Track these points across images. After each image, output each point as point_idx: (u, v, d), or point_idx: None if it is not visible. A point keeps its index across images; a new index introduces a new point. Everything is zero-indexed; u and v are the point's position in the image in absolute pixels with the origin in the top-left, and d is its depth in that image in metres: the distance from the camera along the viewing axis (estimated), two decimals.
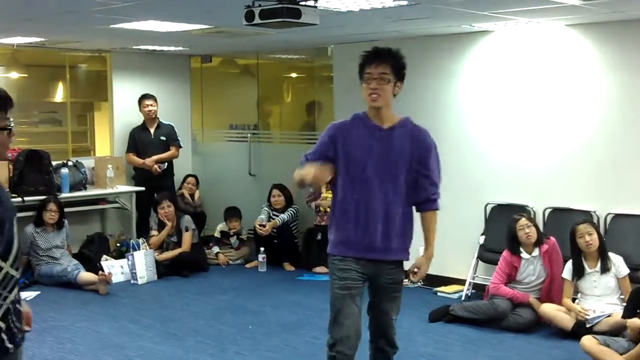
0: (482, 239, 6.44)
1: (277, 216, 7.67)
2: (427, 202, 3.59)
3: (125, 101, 8.38)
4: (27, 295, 6.26)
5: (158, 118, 8.21)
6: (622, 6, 5.04)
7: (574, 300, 5.39)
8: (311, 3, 4.34)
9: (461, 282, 6.54)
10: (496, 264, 5.80)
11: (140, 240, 7.52)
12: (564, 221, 5.79)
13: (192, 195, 8.49)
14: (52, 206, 6.94)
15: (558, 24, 5.90)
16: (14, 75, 9.09)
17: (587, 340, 4.69)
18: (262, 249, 7.57)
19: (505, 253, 5.69)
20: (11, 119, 2.42)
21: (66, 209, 7.15)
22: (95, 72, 9.40)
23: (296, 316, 5.93)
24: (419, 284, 6.85)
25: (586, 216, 5.71)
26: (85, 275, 6.78)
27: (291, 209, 7.71)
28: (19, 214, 3.83)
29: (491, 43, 6.45)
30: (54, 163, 7.50)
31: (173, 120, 8.36)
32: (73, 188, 7.57)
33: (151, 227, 7.65)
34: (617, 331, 4.84)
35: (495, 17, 5.49)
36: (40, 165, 7.28)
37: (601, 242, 5.28)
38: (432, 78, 6.80)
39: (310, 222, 7.70)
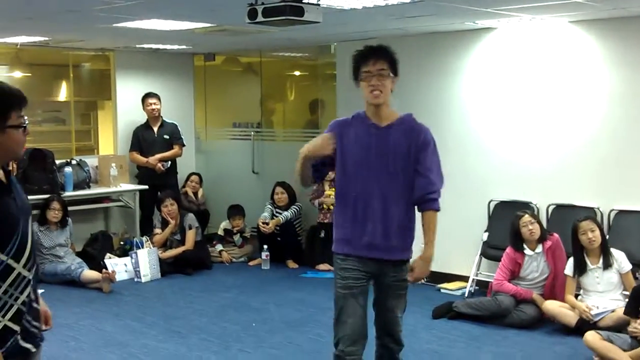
0: (485, 236, 6.44)
1: (280, 214, 7.68)
2: (425, 202, 3.49)
3: (129, 100, 8.40)
4: None
5: (161, 117, 8.22)
6: (624, 3, 5.04)
7: (576, 296, 5.39)
8: (314, 1, 4.34)
9: (464, 278, 6.54)
10: (499, 260, 5.80)
11: (144, 239, 7.53)
12: (567, 218, 5.78)
13: (195, 194, 8.50)
14: (55, 205, 6.95)
15: (561, 20, 5.90)
16: (18, 74, 9.11)
17: (591, 336, 4.70)
18: (265, 246, 7.58)
19: (508, 250, 5.69)
20: (26, 118, 2.43)
21: (70, 208, 7.17)
22: (99, 71, 9.41)
23: (300, 313, 5.93)
24: (423, 281, 6.86)
25: (589, 212, 5.70)
26: (89, 274, 6.80)
27: (294, 206, 7.72)
28: None
29: (494, 40, 6.44)
30: (57, 162, 7.52)
31: (176, 119, 8.37)
32: (77, 187, 7.59)
33: (155, 225, 7.67)
34: (620, 326, 4.84)
35: (498, 14, 5.48)
36: (44, 164, 7.30)
37: (603, 239, 5.28)
38: (436, 75, 6.80)
39: (314, 220, 7.71)
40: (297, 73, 9.21)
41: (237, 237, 8.04)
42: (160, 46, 7.92)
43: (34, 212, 6.98)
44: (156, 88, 8.33)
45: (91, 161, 8.00)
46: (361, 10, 5.10)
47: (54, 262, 6.89)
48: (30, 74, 9.31)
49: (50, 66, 9.61)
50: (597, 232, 5.24)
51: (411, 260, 3.62)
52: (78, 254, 7.23)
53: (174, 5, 5.03)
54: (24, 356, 2.46)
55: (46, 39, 7.06)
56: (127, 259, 7.24)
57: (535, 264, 5.60)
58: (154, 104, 8.11)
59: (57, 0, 4.83)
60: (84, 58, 9.06)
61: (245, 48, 8.39)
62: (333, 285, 3.62)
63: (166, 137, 8.16)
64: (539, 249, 5.59)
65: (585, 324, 5.07)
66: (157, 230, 7.58)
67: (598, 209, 5.87)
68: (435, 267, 7.16)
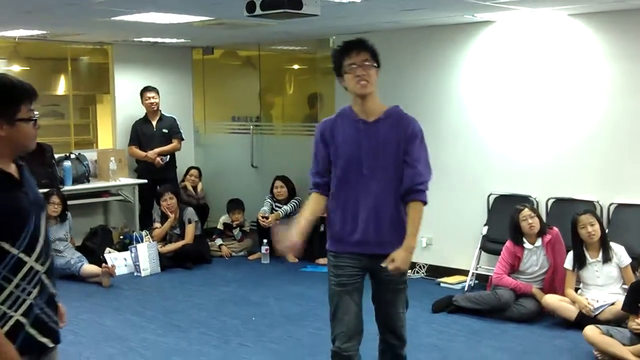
0: (484, 230, 6.44)
1: (280, 208, 7.67)
2: (412, 193, 3.40)
3: (128, 94, 8.38)
4: None
5: (160, 110, 8.20)
6: None
7: (576, 290, 5.39)
8: None
9: (464, 272, 6.55)
10: (499, 254, 5.80)
11: (144, 233, 7.54)
12: (567, 211, 5.78)
13: (194, 188, 8.49)
14: (55, 199, 6.94)
15: (560, 13, 5.88)
16: (16, 68, 9.10)
17: (590, 331, 4.70)
18: (265, 240, 7.57)
19: (508, 243, 5.69)
20: (36, 111, 2.44)
21: (69, 202, 7.15)
22: (97, 65, 9.40)
23: (299, 307, 5.93)
24: (416, 274, 6.87)
25: (589, 206, 5.70)
26: (89, 268, 6.80)
27: (294, 200, 7.71)
28: None
29: (493, 33, 6.42)
30: (56, 156, 7.51)
31: (175, 113, 8.35)
32: (76, 181, 7.58)
33: (154, 220, 7.67)
34: (620, 320, 4.85)
35: (497, 7, 5.47)
36: (43, 158, 7.28)
37: (603, 232, 5.28)
38: (434, 69, 6.79)
39: None
40: (295, 67, 9.19)
41: (236, 231, 8.03)
42: (159, 40, 7.90)
43: None
44: (155, 82, 8.31)
45: (90, 155, 7.99)
46: (359, 3, 5.09)
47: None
48: (28, 68, 9.30)
49: (49, 60, 9.59)
50: (597, 226, 5.23)
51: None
52: (77, 248, 7.22)
53: None
54: (41, 351, 2.48)
55: (44, 32, 7.03)
56: (126, 253, 7.24)
57: (534, 258, 5.60)
58: (153, 97, 8.09)
59: None
60: (82, 52, 9.04)
61: (244, 41, 8.37)
62: (327, 283, 3.61)
63: (165, 131, 8.14)
64: (539, 242, 5.59)
65: (585, 318, 5.07)
66: (157, 225, 7.57)
67: (598, 202, 5.87)
68: (435, 261, 7.24)
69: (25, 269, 2.37)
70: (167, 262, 7.30)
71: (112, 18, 5.83)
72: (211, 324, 5.55)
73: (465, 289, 6.34)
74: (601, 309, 5.11)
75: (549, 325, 5.38)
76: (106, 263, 6.88)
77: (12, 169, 2.43)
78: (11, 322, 2.35)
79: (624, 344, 4.58)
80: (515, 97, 6.35)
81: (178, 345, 5.07)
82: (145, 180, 8.01)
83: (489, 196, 6.52)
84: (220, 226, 8.12)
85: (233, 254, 7.92)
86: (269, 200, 7.81)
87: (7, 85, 2.39)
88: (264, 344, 5.08)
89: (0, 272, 2.33)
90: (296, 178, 7.74)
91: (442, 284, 6.55)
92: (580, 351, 4.80)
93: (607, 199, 5.86)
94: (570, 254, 5.38)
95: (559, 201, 6.12)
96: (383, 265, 3.34)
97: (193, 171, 8.58)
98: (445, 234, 6.82)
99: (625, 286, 5.14)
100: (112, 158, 7.86)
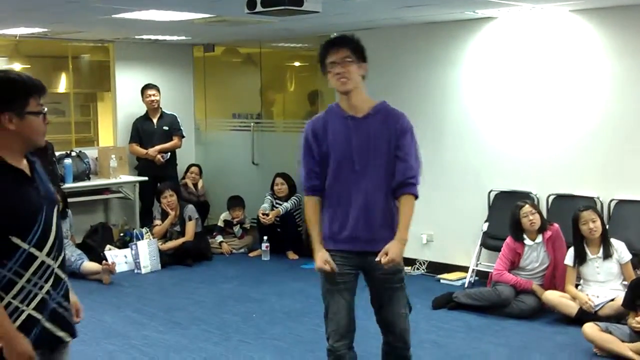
0: (485, 226, 6.44)
1: (280, 205, 7.67)
2: (404, 186, 3.38)
3: (128, 91, 8.38)
4: None
5: (161, 108, 8.20)
6: None
7: (576, 286, 5.39)
8: None
9: (464, 269, 6.55)
10: (499, 250, 5.80)
11: (144, 230, 7.54)
12: (567, 207, 5.77)
13: (195, 185, 8.50)
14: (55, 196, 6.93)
15: (562, 9, 5.88)
16: (17, 66, 9.10)
17: (589, 328, 4.70)
18: (265, 237, 7.58)
19: (508, 240, 5.69)
20: (44, 106, 2.48)
21: (70, 199, 7.16)
22: (98, 63, 9.40)
23: (300, 304, 5.94)
24: (417, 271, 6.87)
25: (590, 202, 5.70)
26: (89, 265, 6.80)
27: (294, 197, 7.72)
28: None
29: (494, 30, 6.42)
30: (57, 153, 7.51)
31: (176, 110, 8.36)
32: (76, 178, 7.59)
33: (154, 217, 7.67)
34: (620, 316, 4.85)
35: (498, 3, 5.46)
36: (43, 156, 7.29)
37: (604, 229, 5.28)
38: (435, 65, 6.78)
39: None
40: (296, 64, 9.19)
41: (237, 228, 8.04)
42: (160, 37, 7.90)
43: None
44: (156, 79, 8.31)
45: (91, 153, 8.00)
46: (360, 0, 5.08)
47: None
48: (29, 66, 9.30)
49: (50, 58, 9.60)
50: (598, 222, 5.23)
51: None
52: (78, 246, 7.23)
53: None
54: (56, 344, 2.52)
55: (45, 30, 7.04)
56: (127, 251, 7.25)
57: (535, 254, 5.60)
58: (153, 95, 8.09)
59: None
60: (83, 49, 9.04)
61: (245, 39, 8.37)
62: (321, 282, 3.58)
63: (165, 128, 8.15)
64: (539, 239, 5.59)
65: (585, 314, 5.07)
66: (157, 222, 7.58)
67: (598, 198, 5.87)
68: (435, 257, 7.24)
69: (36, 264, 2.40)
70: (168, 259, 7.30)
71: (113, 15, 5.83)
72: (212, 320, 5.56)
73: (466, 285, 6.34)
74: (601, 305, 5.11)
75: (550, 322, 5.38)
76: (106, 260, 6.88)
77: (24, 165, 2.47)
78: (23, 317, 2.39)
79: (623, 341, 4.58)
80: (516, 94, 6.35)
81: (179, 343, 5.07)
82: (146, 178, 8.02)
83: (489, 192, 6.52)
84: (220, 223, 8.12)
85: (233, 251, 7.93)
86: (269, 197, 7.81)
87: (16, 79, 2.44)
88: (265, 341, 5.08)
89: (11, 267, 2.36)
90: (297, 175, 7.74)
91: (442, 281, 6.56)
92: (580, 347, 4.80)
93: (608, 195, 5.86)
94: (571, 250, 5.38)
95: (560, 197, 6.12)
96: (377, 259, 3.30)
97: (194, 168, 8.59)
98: (446, 231, 6.82)
99: (626, 282, 5.14)
100: (113, 155, 7.87)
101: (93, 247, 7.35)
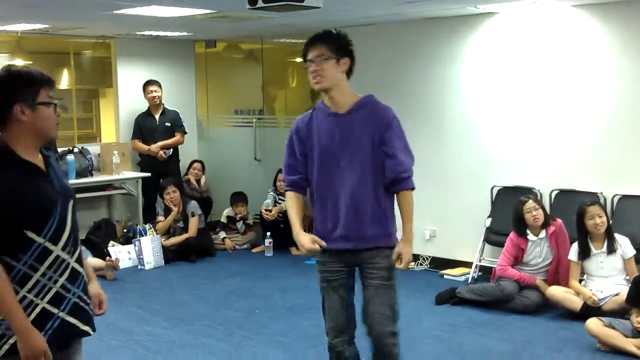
0: (488, 222, 6.44)
1: (283, 201, 7.67)
2: (398, 183, 3.34)
3: (130, 87, 8.38)
4: None
5: (163, 104, 8.20)
6: None
7: (580, 281, 5.38)
8: None
9: (468, 264, 6.55)
10: (503, 246, 5.79)
11: (147, 226, 7.55)
12: (570, 203, 5.77)
13: (198, 181, 8.50)
14: None
15: (564, 4, 5.86)
16: (19, 62, 9.10)
17: (592, 323, 4.70)
18: (268, 233, 7.58)
19: (511, 235, 5.68)
20: (55, 101, 2.52)
21: None
22: (100, 59, 9.40)
23: (303, 299, 5.94)
24: (421, 267, 6.87)
25: (593, 197, 5.69)
26: (93, 261, 6.79)
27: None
28: None
29: (496, 25, 6.40)
30: (59, 150, 7.51)
31: (178, 106, 8.35)
32: (79, 174, 7.59)
33: (157, 213, 7.68)
34: (624, 310, 4.85)
35: None
36: None
37: (608, 224, 5.27)
38: (437, 61, 6.77)
39: None
40: (298, 59, 9.16)
41: (240, 224, 8.04)
42: (161, 33, 7.90)
43: None
44: (157, 75, 8.30)
45: (93, 149, 8.00)
46: None
47: None
48: (31, 62, 9.29)
49: (51, 54, 9.60)
50: (604, 218, 5.22)
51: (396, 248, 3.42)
52: (81, 242, 7.19)
53: None
54: (75, 338, 2.56)
55: (46, 26, 7.03)
56: (130, 247, 7.26)
57: (538, 250, 5.59)
58: (155, 91, 8.09)
59: None
60: (84, 46, 9.04)
61: (247, 34, 8.36)
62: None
63: (168, 124, 8.15)
64: (542, 234, 5.58)
65: (590, 309, 5.07)
66: (160, 218, 7.59)
67: (601, 193, 5.85)
68: (438, 253, 7.23)
69: (51, 258, 2.43)
70: (171, 255, 7.31)
71: (114, 11, 5.83)
72: (215, 316, 5.56)
73: (469, 281, 6.34)
74: (605, 300, 5.11)
75: (553, 317, 5.38)
76: (110, 256, 6.89)
77: (38, 159, 2.49)
78: (37, 310, 2.41)
79: (626, 336, 4.58)
80: (519, 89, 6.33)
81: (182, 338, 5.08)
82: (149, 174, 8.02)
83: (492, 188, 6.51)
84: (223, 219, 8.13)
85: (236, 246, 7.93)
86: (272, 193, 7.81)
87: (26, 71, 2.49)
88: (268, 336, 5.09)
89: (26, 261, 2.39)
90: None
91: (445, 276, 6.55)
92: (583, 342, 4.79)
93: (611, 190, 5.85)
94: (575, 245, 5.37)
95: (563, 193, 6.11)
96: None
97: (196, 164, 8.59)
98: (449, 226, 6.82)
99: (629, 278, 5.14)
100: (115, 152, 7.87)
101: (96, 244, 7.36)
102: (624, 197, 5.79)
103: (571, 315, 5.26)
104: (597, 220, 5.20)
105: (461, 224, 6.70)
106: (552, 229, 5.57)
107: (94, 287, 2.70)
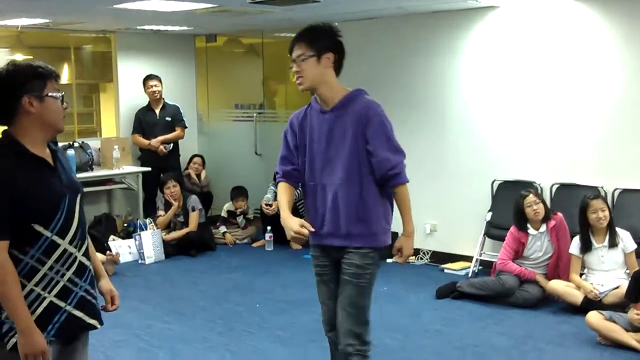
0: (489, 216, 6.43)
1: None
2: (387, 180, 3.28)
3: (131, 82, 8.37)
4: None
5: (163, 99, 8.19)
6: None
7: (580, 275, 5.38)
8: None
9: (468, 258, 6.55)
10: (503, 240, 5.79)
11: (148, 221, 7.55)
12: (571, 197, 5.77)
13: (198, 176, 8.50)
14: None
15: None
16: (19, 57, 9.09)
17: (593, 317, 4.70)
18: (268, 227, 7.58)
19: (512, 229, 5.68)
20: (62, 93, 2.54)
21: None
22: (100, 53, 9.38)
23: (303, 294, 5.94)
24: (421, 261, 6.87)
25: (594, 191, 5.69)
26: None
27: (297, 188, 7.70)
28: None
29: (497, 19, 6.39)
30: (60, 144, 7.49)
31: (178, 101, 8.35)
32: (79, 169, 7.58)
33: (158, 207, 7.68)
34: (625, 304, 4.84)
35: None
36: None
37: (610, 218, 5.27)
38: (437, 55, 6.76)
39: None
40: None
41: (240, 219, 8.04)
42: (162, 27, 7.89)
43: None
44: (158, 70, 8.30)
45: (94, 144, 7.99)
46: None
47: None
48: (31, 57, 9.28)
49: (52, 49, 9.59)
50: (607, 212, 5.22)
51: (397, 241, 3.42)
52: None
53: None
54: (81, 332, 2.56)
55: (47, 21, 7.02)
56: (131, 241, 7.26)
57: (539, 244, 5.59)
58: (155, 86, 8.08)
59: None
60: (85, 40, 9.02)
61: (247, 29, 8.34)
62: None
63: (168, 119, 8.14)
64: (543, 228, 5.58)
65: (590, 303, 5.07)
66: (161, 212, 7.59)
67: (602, 187, 5.85)
68: (439, 247, 7.23)
69: (58, 252, 2.44)
70: (171, 249, 7.31)
71: (115, 6, 5.82)
72: (215, 310, 5.57)
73: (469, 275, 6.34)
74: (606, 293, 5.11)
75: (553, 311, 5.38)
76: (110, 251, 6.89)
77: (46, 153, 2.51)
78: (45, 304, 2.42)
79: (627, 330, 4.58)
80: (519, 83, 6.33)
81: (183, 333, 5.09)
82: (149, 169, 8.02)
83: (493, 182, 6.51)
84: (224, 214, 8.13)
85: (237, 241, 7.94)
86: (272, 187, 7.79)
87: (32, 64, 2.52)
88: (269, 330, 5.09)
89: (34, 255, 2.40)
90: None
91: (446, 270, 6.55)
92: (584, 336, 4.80)
93: (612, 184, 5.85)
94: (576, 238, 5.37)
95: (563, 187, 6.11)
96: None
97: (197, 159, 8.59)
98: (449, 220, 6.82)
99: (629, 272, 5.14)
100: (116, 146, 7.87)
101: (97, 238, 7.33)
102: (625, 191, 5.79)
103: (572, 309, 5.26)
104: (600, 214, 5.19)
105: (462, 218, 6.70)
106: (552, 223, 5.57)
107: (105, 283, 2.72)
